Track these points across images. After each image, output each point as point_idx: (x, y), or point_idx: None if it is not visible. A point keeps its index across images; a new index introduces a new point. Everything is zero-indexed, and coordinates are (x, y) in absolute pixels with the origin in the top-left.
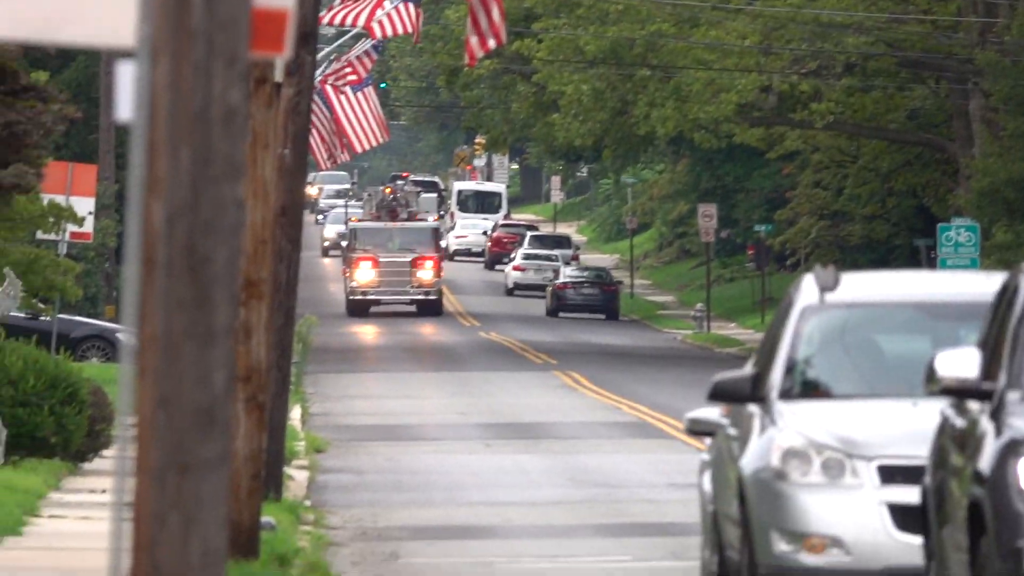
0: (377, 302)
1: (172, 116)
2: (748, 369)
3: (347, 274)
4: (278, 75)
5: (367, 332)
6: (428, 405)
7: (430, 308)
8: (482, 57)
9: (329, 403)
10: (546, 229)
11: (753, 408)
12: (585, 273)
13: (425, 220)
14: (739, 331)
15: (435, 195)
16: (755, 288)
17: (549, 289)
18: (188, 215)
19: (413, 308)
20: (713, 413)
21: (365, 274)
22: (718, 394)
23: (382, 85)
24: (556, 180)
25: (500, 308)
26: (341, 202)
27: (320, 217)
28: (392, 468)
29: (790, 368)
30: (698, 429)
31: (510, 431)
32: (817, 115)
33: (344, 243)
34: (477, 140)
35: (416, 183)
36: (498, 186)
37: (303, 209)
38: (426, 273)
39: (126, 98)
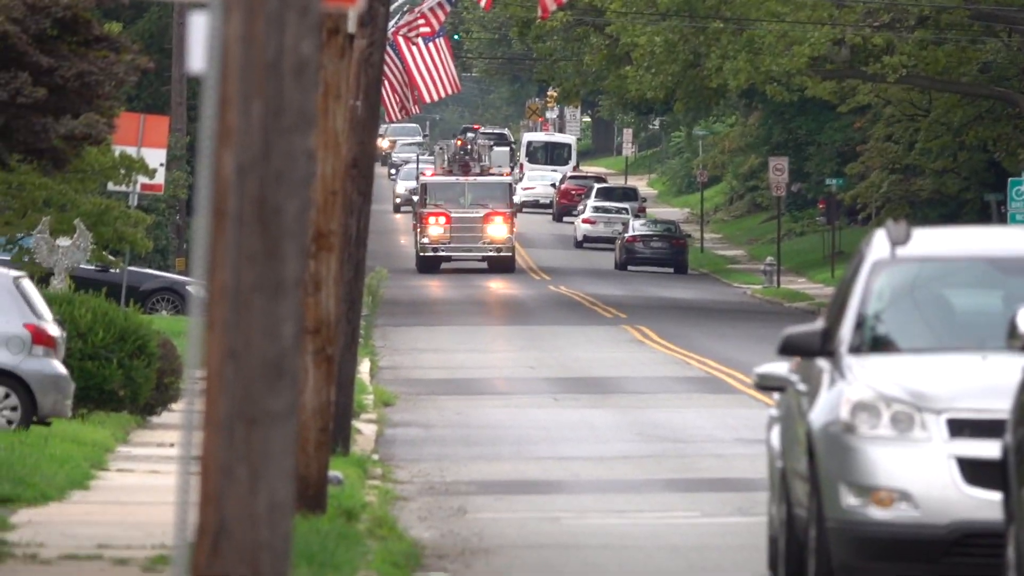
0: (448, 259)
1: (244, 67)
2: (818, 323)
3: (417, 230)
4: (351, 26)
5: (436, 286)
6: (496, 359)
7: (502, 265)
8: (555, 9)
9: (398, 356)
10: (616, 182)
11: (823, 363)
12: (654, 227)
13: (497, 174)
14: (809, 285)
15: (507, 148)
16: (825, 242)
17: (618, 242)
18: (259, 166)
19: (484, 265)
20: (782, 368)
21: (436, 230)
22: (788, 348)
23: (455, 37)
24: (628, 133)
25: (569, 261)
26: (414, 156)
27: (392, 172)
28: (460, 422)
29: (860, 322)
30: (767, 384)
31: (578, 386)
32: (889, 68)
33: (415, 198)
34: (549, 92)
35: (485, 135)
36: (568, 137)
37: (374, 161)
38: (498, 229)
39: (198, 49)
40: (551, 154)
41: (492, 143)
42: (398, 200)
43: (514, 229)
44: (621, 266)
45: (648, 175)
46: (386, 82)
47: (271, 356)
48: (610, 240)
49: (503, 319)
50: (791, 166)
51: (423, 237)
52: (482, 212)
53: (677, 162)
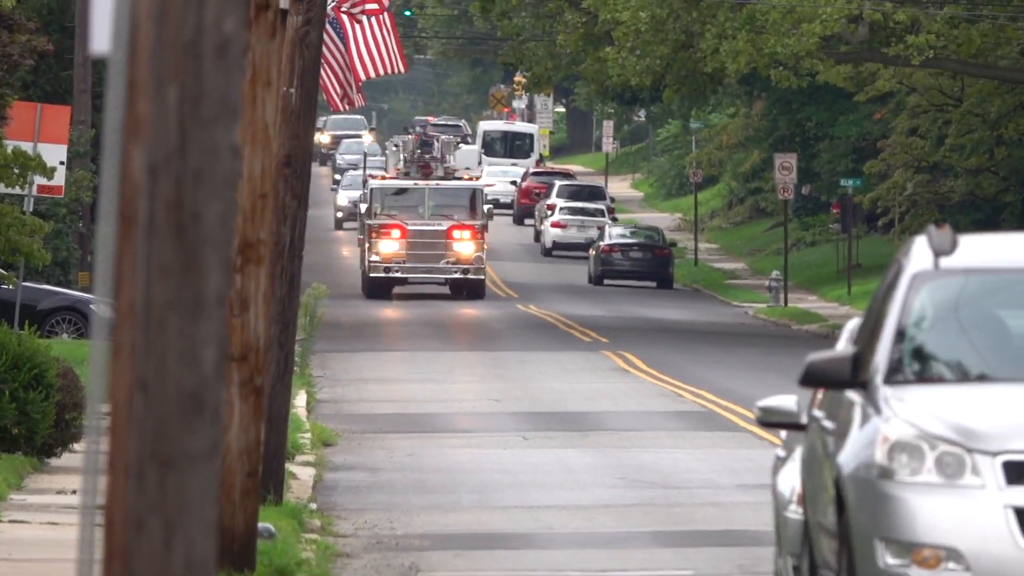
0: (403, 281)
1: (157, 48)
2: (847, 348)
3: (365, 246)
4: (283, 0)
5: (386, 305)
6: (456, 391)
7: (470, 289)
8: None
9: (340, 388)
10: (589, 180)
11: (853, 395)
12: (635, 234)
13: (465, 178)
14: (821, 304)
15: (478, 148)
16: (840, 254)
17: (592, 253)
18: (174, 164)
19: (447, 289)
20: (789, 401)
21: (388, 245)
22: (812, 378)
23: (406, 13)
24: (608, 126)
25: (538, 274)
26: (359, 159)
27: (336, 179)
28: (413, 465)
29: (898, 346)
30: (772, 420)
31: (551, 422)
32: (914, 50)
33: (363, 207)
34: (516, 78)
35: (436, 127)
36: (529, 127)
37: (311, 159)
38: (465, 245)
39: (103, 27)
40: (510, 146)
41: (459, 139)
42: (340, 214)
43: (485, 246)
44: (596, 280)
45: (632, 175)
46: (326, 66)
47: (189, 387)
48: (583, 247)
49: (463, 344)
50: (800, 164)
51: (372, 254)
52: (445, 224)
53: (666, 160)
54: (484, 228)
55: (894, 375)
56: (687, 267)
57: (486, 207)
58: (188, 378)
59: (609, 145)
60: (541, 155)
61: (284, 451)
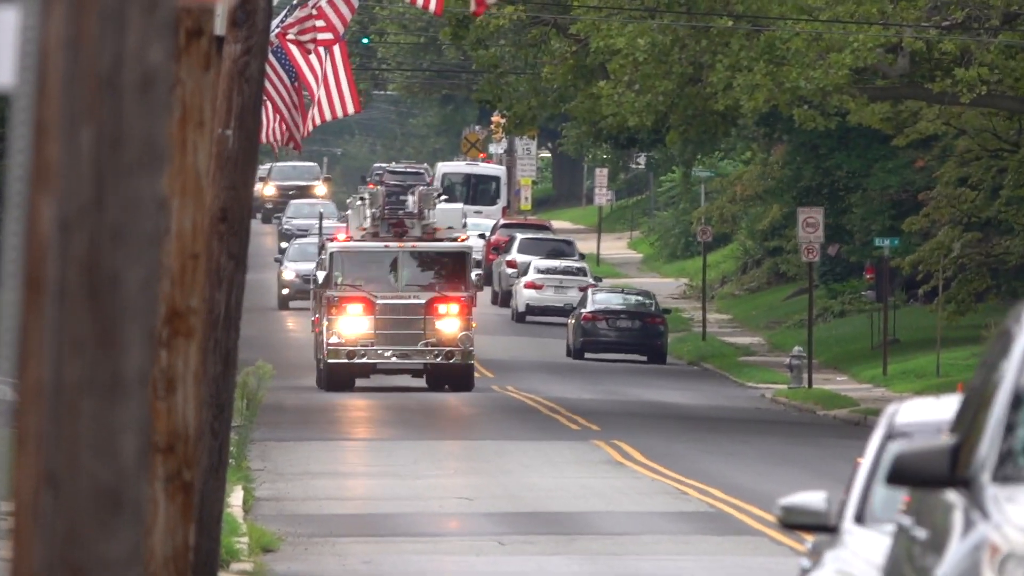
0: (369, 369)
1: (69, 82)
2: (943, 439)
3: (322, 325)
4: (219, 26)
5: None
6: (421, 487)
7: (453, 379)
8: (495, 1)
9: (283, 483)
10: (584, 239)
11: (952, 496)
12: (623, 299)
13: (448, 237)
14: (852, 386)
15: (459, 206)
16: (875, 326)
17: (572, 322)
18: (89, 219)
19: (423, 380)
20: (817, 499)
21: (351, 324)
22: (902, 475)
23: (364, 41)
24: (601, 174)
25: (513, 346)
26: (312, 224)
27: (283, 245)
28: (370, 575)
29: (1010, 435)
30: (797, 522)
31: (533, 524)
32: (964, 85)
33: (317, 276)
34: (494, 118)
35: (395, 174)
36: (495, 168)
37: (250, 213)
38: (449, 323)
39: (6, 58)
40: (474, 191)
41: (438, 192)
42: (286, 291)
43: (473, 323)
44: (576, 352)
45: (630, 232)
46: (268, 103)
47: (105, 482)
48: (561, 312)
49: (430, 431)
50: (828, 220)
51: (331, 335)
52: (424, 296)
53: (670, 215)
54: (472, 301)
55: (1005, 471)
56: (693, 342)
57: (474, 275)
58: (104, 472)
59: (602, 197)
60: (521, 208)
61: (217, 558)
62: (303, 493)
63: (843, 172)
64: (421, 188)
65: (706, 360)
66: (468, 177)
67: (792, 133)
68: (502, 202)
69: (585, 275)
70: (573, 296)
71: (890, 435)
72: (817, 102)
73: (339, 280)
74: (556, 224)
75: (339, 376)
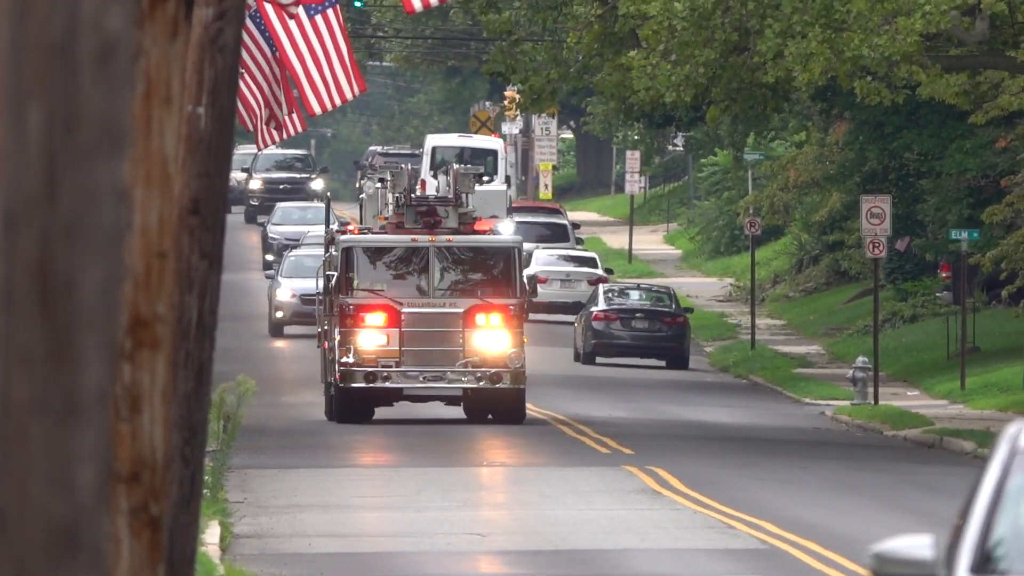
0: (393, 395)
1: (15, 53)
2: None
3: (334, 340)
4: None
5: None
6: (427, 521)
7: (500, 407)
8: None
9: (266, 517)
10: (613, 231)
11: None
12: (639, 296)
13: (492, 229)
14: (925, 402)
15: (503, 188)
16: (951, 332)
17: (581, 321)
18: (39, 212)
19: (460, 407)
20: (921, 545)
21: (371, 339)
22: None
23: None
24: (633, 158)
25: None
26: (302, 231)
27: (268, 259)
28: None
29: None
30: (895, 573)
31: (556, 564)
32: None
33: (325, 278)
34: (508, 93)
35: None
36: (491, 141)
37: (227, 204)
38: (495, 337)
39: None
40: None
41: (480, 172)
42: (280, 314)
43: (525, 338)
44: (587, 356)
45: (666, 225)
46: (247, 77)
47: (59, 518)
48: (569, 309)
49: (437, 456)
50: (896, 210)
51: (343, 353)
52: (461, 304)
53: (712, 204)
54: (523, 309)
55: None
56: (741, 351)
57: (525, 275)
58: (58, 505)
59: (634, 184)
60: (540, 196)
61: None
62: (289, 529)
63: (913, 154)
64: (457, 166)
65: (756, 372)
66: (461, 151)
67: (854, 109)
68: (500, 179)
69: (595, 266)
70: (583, 291)
71: (1013, 459)
72: (882, 73)
73: (354, 283)
74: (581, 216)
75: (354, 404)
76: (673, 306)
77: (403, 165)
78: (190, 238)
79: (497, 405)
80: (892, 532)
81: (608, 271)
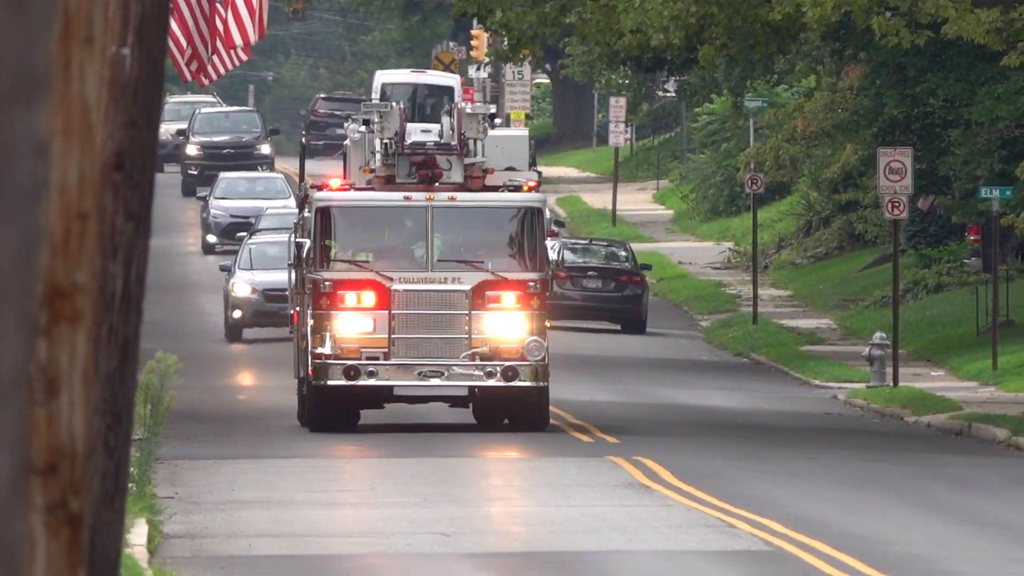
0: (382, 395)
1: None
2: None
3: (302, 326)
4: None
5: (268, 383)
6: (382, 519)
7: (517, 410)
8: None
9: (200, 515)
10: (598, 190)
11: None
12: (588, 253)
13: (511, 184)
14: (952, 383)
15: (524, 133)
16: (981, 304)
17: None
18: None
19: (468, 406)
20: None
21: (354, 322)
22: None
23: None
24: (618, 106)
25: None
26: (251, 207)
27: (211, 240)
28: None
29: None
30: None
31: (531, 568)
32: None
33: (296, 246)
34: (475, 31)
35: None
36: (447, 77)
37: (155, 159)
38: (508, 322)
39: None
40: (421, 106)
41: (484, 114)
42: (238, 314)
43: (548, 323)
44: None
45: (655, 182)
46: (177, 14)
47: None
48: None
49: (392, 445)
50: (918, 164)
51: (320, 342)
52: (468, 281)
53: (708, 158)
54: (545, 287)
55: None
56: (741, 326)
57: (550, 246)
58: None
59: (619, 135)
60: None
61: None
62: (226, 528)
63: (938, 101)
64: (461, 105)
65: (758, 350)
66: (415, 89)
67: (870, 50)
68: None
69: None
70: None
71: None
72: (904, 8)
73: (332, 253)
74: (558, 171)
75: (333, 406)
76: (629, 263)
77: (394, 104)
78: (114, 197)
79: (513, 407)
80: (914, 532)
81: (559, 224)
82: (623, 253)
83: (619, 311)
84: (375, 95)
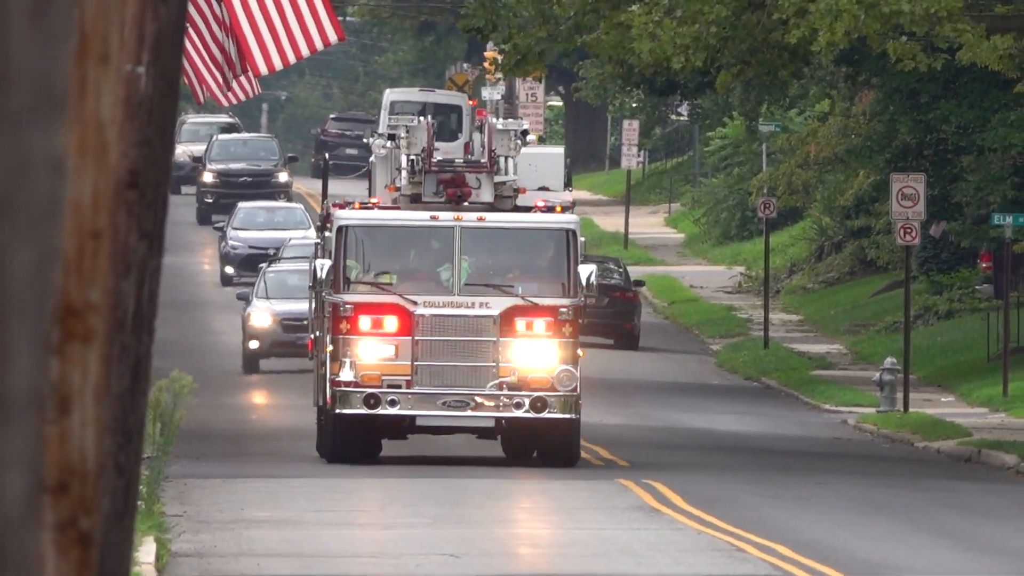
0: (404, 423)
1: None
2: None
3: (321, 352)
4: None
5: (280, 402)
6: (391, 540)
7: (547, 443)
8: None
9: (209, 534)
10: (610, 213)
11: None
12: None
13: (543, 204)
14: (962, 409)
15: (560, 151)
16: (993, 331)
17: None
18: None
19: (496, 438)
20: None
21: (375, 349)
22: None
23: None
24: (631, 128)
25: None
26: (271, 238)
27: (228, 271)
28: None
29: None
30: None
31: None
32: None
33: (316, 270)
34: (488, 54)
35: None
36: (454, 96)
37: (169, 177)
38: (538, 350)
39: None
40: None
41: (516, 130)
42: (255, 345)
43: (580, 352)
44: None
45: (667, 205)
46: (193, 34)
47: None
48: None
49: (401, 466)
50: (931, 190)
51: (340, 369)
52: (496, 306)
53: (721, 182)
54: (579, 313)
55: None
56: (752, 349)
57: (585, 272)
58: None
59: (632, 159)
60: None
61: None
62: (234, 547)
63: (951, 127)
64: (492, 120)
65: (768, 375)
66: (423, 107)
67: (884, 75)
68: (464, 138)
69: None
70: None
71: None
72: (919, 34)
73: (354, 275)
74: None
75: (353, 435)
76: (622, 280)
77: (421, 118)
78: (128, 215)
79: (543, 440)
80: (923, 558)
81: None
82: (616, 269)
83: (612, 327)
84: (384, 112)
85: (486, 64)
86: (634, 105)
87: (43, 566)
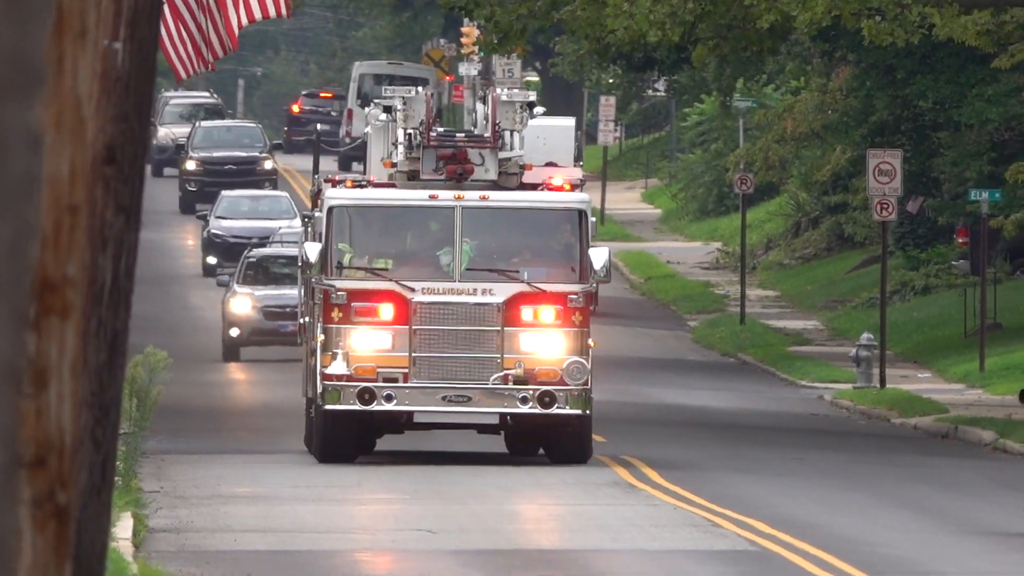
0: (401, 419)
1: None
2: None
3: (311, 341)
4: None
5: (260, 377)
6: (368, 515)
7: (556, 440)
8: None
9: (186, 509)
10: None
11: None
12: None
13: (550, 181)
14: (938, 385)
15: (571, 123)
16: (970, 306)
17: None
18: None
19: (499, 434)
20: None
21: (369, 338)
22: None
23: None
24: (607, 104)
25: None
26: (255, 227)
27: (211, 261)
28: None
29: None
30: None
31: (516, 565)
32: None
33: (305, 254)
34: (465, 29)
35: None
36: (423, 70)
37: (146, 152)
38: (546, 340)
39: None
40: None
41: (522, 101)
42: (235, 332)
43: (590, 341)
44: None
45: (644, 181)
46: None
47: None
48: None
49: (380, 441)
50: (908, 166)
51: (331, 360)
52: (500, 293)
53: (698, 158)
54: (589, 300)
55: None
56: (729, 326)
57: (598, 256)
58: None
59: (608, 134)
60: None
61: None
62: (211, 523)
63: (928, 103)
64: (496, 92)
65: (745, 350)
66: (392, 79)
67: (860, 51)
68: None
69: None
70: None
71: None
72: (893, 12)
73: (346, 260)
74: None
75: (344, 434)
76: None
77: (419, 89)
78: (104, 190)
79: (551, 436)
80: (899, 533)
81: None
82: None
83: None
84: (353, 84)
85: (463, 40)
86: (610, 81)
87: (20, 540)
